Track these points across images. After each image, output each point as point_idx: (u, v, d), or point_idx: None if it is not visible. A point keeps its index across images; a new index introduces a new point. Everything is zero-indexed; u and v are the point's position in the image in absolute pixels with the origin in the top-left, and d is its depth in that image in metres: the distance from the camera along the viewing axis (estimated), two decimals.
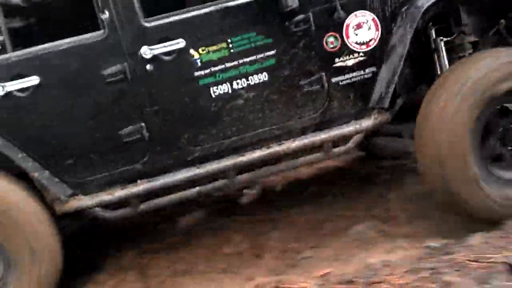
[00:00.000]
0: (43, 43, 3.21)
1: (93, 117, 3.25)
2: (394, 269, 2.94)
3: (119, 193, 3.31)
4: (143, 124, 3.26)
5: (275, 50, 3.32)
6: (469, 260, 2.83)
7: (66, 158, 3.25)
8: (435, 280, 2.72)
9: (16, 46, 3.23)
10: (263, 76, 3.34)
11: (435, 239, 3.19)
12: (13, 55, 3.18)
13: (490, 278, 2.60)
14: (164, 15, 3.26)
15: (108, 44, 3.20)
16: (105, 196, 3.30)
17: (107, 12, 3.19)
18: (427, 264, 2.90)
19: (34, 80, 3.16)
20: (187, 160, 3.36)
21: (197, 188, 3.43)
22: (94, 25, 3.24)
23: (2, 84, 3.13)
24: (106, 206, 3.33)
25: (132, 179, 3.34)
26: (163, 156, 3.33)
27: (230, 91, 3.32)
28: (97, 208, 3.31)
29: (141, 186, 3.32)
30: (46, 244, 3.13)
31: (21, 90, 3.16)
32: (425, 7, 3.30)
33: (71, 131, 3.24)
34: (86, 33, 3.23)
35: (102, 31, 3.21)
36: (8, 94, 3.14)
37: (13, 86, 3.14)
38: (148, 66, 3.23)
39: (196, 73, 3.28)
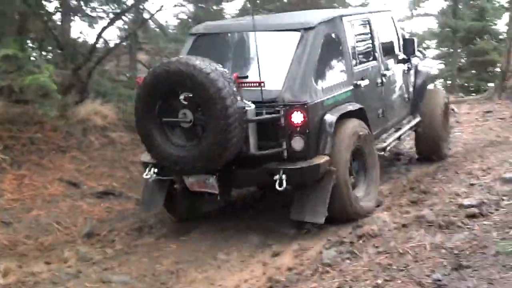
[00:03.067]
0: None
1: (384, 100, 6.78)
2: None
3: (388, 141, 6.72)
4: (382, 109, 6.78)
5: None
6: None
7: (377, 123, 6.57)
8: None
9: None
10: None
11: None
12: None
13: None
14: None
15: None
16: (384, 143, 6.59)
17: None
18: None
19: (366, 82, 6.26)
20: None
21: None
22: None
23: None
24: (383, 149, 6.49)
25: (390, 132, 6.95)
26: (387, 124, 6.93)
27: None
28: (381, 150, 6.43)
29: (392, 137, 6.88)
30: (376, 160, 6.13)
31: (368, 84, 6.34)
32: None
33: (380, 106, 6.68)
34: None
35: None
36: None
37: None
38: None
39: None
